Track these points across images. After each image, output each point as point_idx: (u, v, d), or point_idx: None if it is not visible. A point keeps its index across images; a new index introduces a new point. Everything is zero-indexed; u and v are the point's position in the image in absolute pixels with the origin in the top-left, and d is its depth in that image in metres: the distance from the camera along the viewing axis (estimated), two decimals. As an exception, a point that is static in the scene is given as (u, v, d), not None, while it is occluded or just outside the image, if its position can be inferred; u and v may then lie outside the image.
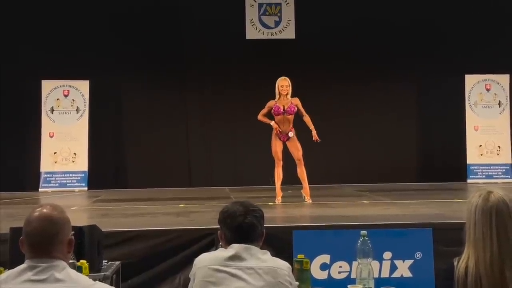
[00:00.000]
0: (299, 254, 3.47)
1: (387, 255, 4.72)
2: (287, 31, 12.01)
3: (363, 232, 3.22)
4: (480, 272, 2.14)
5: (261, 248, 2.78)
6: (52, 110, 11.36)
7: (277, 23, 12.04)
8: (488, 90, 11.82)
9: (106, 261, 3.99)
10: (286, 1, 12.01)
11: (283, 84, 7.83)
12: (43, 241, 2.17)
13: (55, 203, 2.34)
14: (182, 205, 7.93)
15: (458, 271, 2.18)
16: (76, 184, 11.24)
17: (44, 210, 2.22)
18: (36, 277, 2.11)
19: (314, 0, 11.94)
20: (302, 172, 7.93)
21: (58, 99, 11.40)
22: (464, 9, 11.83)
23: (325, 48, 11.74)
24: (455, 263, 2.23)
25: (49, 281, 2.11)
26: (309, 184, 10.73)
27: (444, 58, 11.83)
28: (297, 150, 7.87)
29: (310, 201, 7.90)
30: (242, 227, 2.73)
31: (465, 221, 2.31)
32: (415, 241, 4.82)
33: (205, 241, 5.11)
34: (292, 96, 7.93)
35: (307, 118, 7.93)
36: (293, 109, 7.81)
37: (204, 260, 2.70)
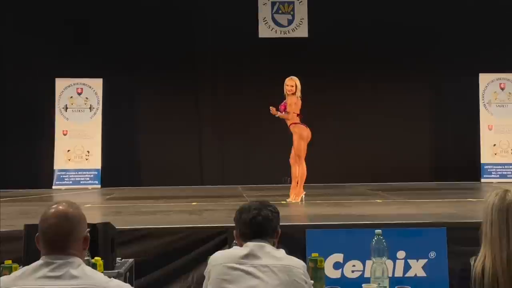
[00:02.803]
0: (313, 253, 3.46)
1: (401, 254, 4.72)
2: (300, 30, 11.99)
3: (378, 231, 3.21)
4: (497, 271, 2.12)
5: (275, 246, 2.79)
6: (66, 108, 11.42)
7: (290, 22, 12.02)
8: (502, 89, 11.74)
9: (119, 258, 3.99)
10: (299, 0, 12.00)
11: (288, 83, 7.85)
12: (58, 238, 2.17)
13: (70, 200, 2.35)
14: (194, 203, 7.93)
15: (475, 271, 2.17)
16: (90, 181, 11.29)
17: (60, 207, 2.22)
18: (52, 274, 2.12)
19: (327, -2, 11.93)
20: (294, 171, 7.87)
21: (71, 97, 11.46)
22: (478, 8, 11.75)
23: (338, 47, 11.71)
24: (472, 263, 2.21)
25: (65, 278, 2.11)
26: (322, 183, 10.80)
27: (458, 57, 11.76)
28: (293, 147, 7.83)
29: (292, 200, 7.81)
30: (256, 220, 2.74)
31: (482, 220, 2.29)
32: (429, 241, 4.81)
33: (218, 239, 5.11)
34: (302, 95, 7.90)
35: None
36: (282, 107, 7.80)
37: (219, 258, 2.70)
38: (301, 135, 7.76)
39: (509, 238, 2.16)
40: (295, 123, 7.80)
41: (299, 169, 7.78)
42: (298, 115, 7.83)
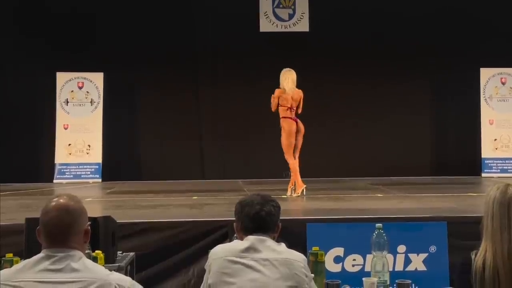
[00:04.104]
0: (313, 246, 3.47)
1: (401, 248, 4.73)
2: (301, 24, 11.96)
3: (379, 224, 3.21)
4: (497, 265, 2.12)
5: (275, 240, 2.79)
6: (67, 102, 11.42)
7: (291, 16, 12.00)
8: (503, 83, 11.73)
9: (120, 252, 4.00)
10: (300, -6, 11.97)
11: None
12: (59, 231, 2.18)
13: (71, 193, 2.35)
14: (195, 197, 7.94)
15: (476, 264, 2.17)
16: (90, 175, 11.30)
17: (61, 200, 2.22)
18: (53, 267, 2.12)
19: (329, -8, 11.90)
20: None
21: (72, 91, 11.45)
22: (479, 3, 11.72)
23: (339, 41, 11.69)
24: (472, 257, 2.21)
25: (66, 271, 2.12)
26: (323, 177, 10.82)
27: (459, 52, 11.73)
28: None
29: (292, 195, 7.83)
30: (259, 215, 2.75)
31: (483, 214, 2.30)
32: (429, 235, 4.82)
33: (218, 233, 5.13)
34: (298, 88, 7.92)
35: None
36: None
37: (220, 252, 2.71)
38: (285, 130, 7.76)
39: (510, 232, 2.16)
40: (283, 118, 7.80)
41: (291, 164, 7.82)
42: (288, 108, 7.79)
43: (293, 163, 7.83)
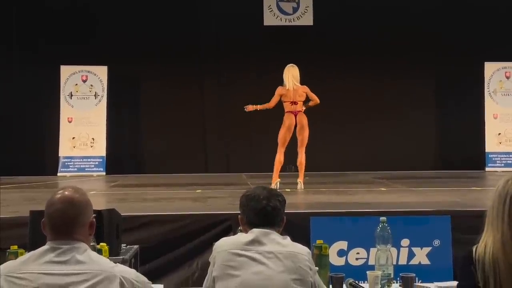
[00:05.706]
0: (317, 240, 3.46)
1: (405, 242, 4.73)
2: (305, 18, 11.96)
3: (383, 218, 3.20)
4: (496, 253, 2.14)
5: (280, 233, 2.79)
6: (71, 95, 11.44)
7: (295, 9, 11.98)
8: (508, 77, 11.71)
9: (124, 245, 4.00)
10: (304, -13, 11.95)
11: None
12: (64, 223, 2.18)
13: (76, 186, 2.35)
14: (199, 191, 7.95)
15: (478, 252, 2.18)
16: (94, 168, 11.33)
17: (66, 193, 2.22)
18: (58, 259, 2.13)
19: (333, -14, 11.87)
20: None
21: (76, 84, 11.47)
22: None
23: (343, 35, 11.68)
24: (474, 250, 2.21)
25: (71, 263, 2.12)
26: (326, 171, 10.82)
27: (464, 46, 11.71)
28: None
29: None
30: (266, 210, 2.74)
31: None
32: (433, 229, 4.82)
33: (222, 226, 5.13)
34: (301, 83, 7.96)
35: None
36: None
37: (224, 245, 2.70)
38: (284, 123, 7.92)
39: (503, 224, 2.17)
40: (286, 112, 7.88)
41: (299, 158, 7.86)
42: (292, 103, 7.80)
43: (277, 157, 7.96)
